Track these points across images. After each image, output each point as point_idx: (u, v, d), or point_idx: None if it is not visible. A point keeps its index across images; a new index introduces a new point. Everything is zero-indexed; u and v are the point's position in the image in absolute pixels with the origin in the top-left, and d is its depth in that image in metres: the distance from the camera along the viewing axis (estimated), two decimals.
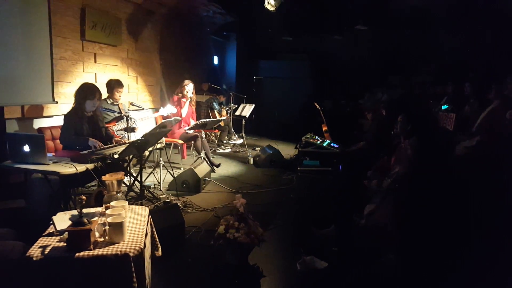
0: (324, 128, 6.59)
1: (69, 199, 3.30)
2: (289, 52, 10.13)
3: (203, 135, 5.44)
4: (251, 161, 6.05)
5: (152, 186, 4.35)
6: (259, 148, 6.94)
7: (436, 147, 2.82)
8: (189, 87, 5.34)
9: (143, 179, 3.73)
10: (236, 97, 7.58)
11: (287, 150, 6.97)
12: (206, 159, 5.38)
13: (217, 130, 7.23)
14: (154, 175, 4.57)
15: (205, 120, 5.27)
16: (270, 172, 5.55)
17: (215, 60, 10.83)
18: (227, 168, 5.73)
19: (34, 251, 1.71)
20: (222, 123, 7.00)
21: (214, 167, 5.49)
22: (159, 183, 4.52)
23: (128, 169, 3.97)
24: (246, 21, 8.85)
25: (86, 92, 3.53)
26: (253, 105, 7.34)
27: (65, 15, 4.98)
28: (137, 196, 3.83)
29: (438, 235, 2.55)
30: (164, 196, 4.08)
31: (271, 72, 10.07)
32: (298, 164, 5.69)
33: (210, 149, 6.11)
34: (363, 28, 8.38)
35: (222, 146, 7.23)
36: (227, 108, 7.42)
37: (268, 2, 5.53)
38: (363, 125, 6.55)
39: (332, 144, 5.92)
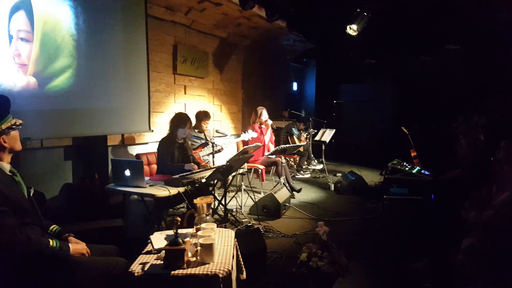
0: (413, 154, 6.21)
1: (161, 219, 3.60)
2: (371, 75, 9.86)
3: (283, 160, 5.52)
4: (332, 187, 5.96)
5: (234, 210, 4.52)
6: (340, 174, 6.81)
7: None
8: (264, 113, 5.53)
9: (226, 202, 3.91)
10: (315, 122, 7.60)
11: (371, 177, 6.71)
12: (287, 184, 5.43)
13: (296, 156, 7.26)
14: (236, 199, 4.74)
15: (284, 145, 5.36)
16: (353, 200, 5.39)
17: (295, 86, 11.01)
18: (307, 194, 5.71)
19: (136, 267, 1.89)
20: (301, 149, 7.03)
21: (294, 193, 5.50)
22: (241, 206, 4.67)
23: (213, 192, 4.20)
24: (327, 47, 8.91)
25: (179, 121, 3.88)
26: (334, 130, 7.26)
27: (160, 51, 5.60)
28: (221, 219, 4.01)
29: None
30: (246, 220, 4.20)
31: (352, 95, 9.87)
32: (384, 191, 5.40)
33: (290, 174, 6.15)
34: (455, 48, 7.82)
35: (302, 171, 7.23)
36: (306, 134, 7.44)
37: (350, 28, 5.53)
38: (456, 151, 6.00)
39: (422, 171, 5.52)
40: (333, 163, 8.53)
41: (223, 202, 4.01)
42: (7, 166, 1.88)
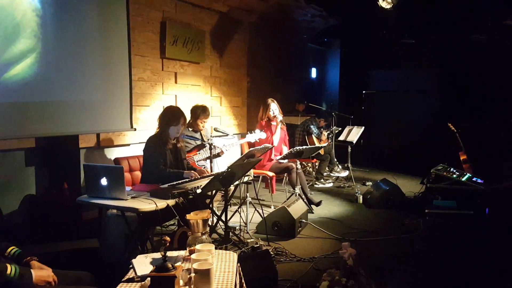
0: (463, 157, 6.17)
1: (146, 239, 3.62)
2: (410, 59, 9.81)
3: (299, 166, 5.52)
4: (360, 200, 5.96)
5: (237, 227, 4.54)
6: (370, 183, 6.79)
7: None
8: (273, 106, 5.53)
9: (227, 218, 3.91)
10: (339, 118, 7.58)
11: (409, 186, 6.69)
12: (303, 196, 5.43)
13: (315, 160, 7.26)
14: (240, 214, 4.75)
15: (301, 147, 5.36)
16: (386, 215, 5.38)
17: (313, 73, 11.00)
18: (329, 207, 5.69)
19: None
20: (322, 151, 7.02)
21: (313, 206, 5.50)
22: (246, 223, 4.67)
23: (211, 206, 4.21)
24: (353, 23, 8.89)
25: (171, 117, 3.90)
26: (362, 127, 7.24)
27: (144, 30, 5.64)
28: (221, 239, 4.02)
29: None
30: (252, 240, 4.21)
31: (386, 85, 9.84)
32: (426, 204, 5.38)
33: (308, 184, 6.15)
34: None
35: (322, 180, 7.21)
36: (328, 132, 7.43)
37: None
38: None
39: (474, 179, 5.48)
40: (362, 169, 8.49)
41: (223, 218, 4.01)
42: None
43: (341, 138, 7.31)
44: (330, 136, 7.44)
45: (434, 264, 3.84)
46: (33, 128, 4.04)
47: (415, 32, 9.00)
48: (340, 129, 7.43)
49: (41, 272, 2.00)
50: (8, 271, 1.84)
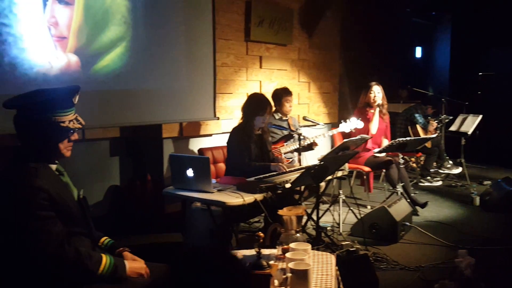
0: None
1: (231, 235, 3.78)
2: None
3: (401, 161, 5.40)
4: (477, 201, 5.75)
5: (329, 228, 4.55)
6: (489, 182, 6.53)
7: None
8: (375, 89, 5.43)
9: (319, 217, 3.96)
10: (450, 105, 7.33)
11: None
12: (405, 195, 5.30)
13: (420, 154, 7.07)
14: (332, 213, 4.77)
15: (403, 139, 5.22)
16: (509, 220, 5.16)
17: (418, 52, 10.66)
18: (438, 209, 5.58)
19: None
20: (429, 144, 6.84)
21: (418, 208, 5.37)
22: (338, 224, 4.69)
23: (300, 203, 4.28)
24: None
25: (257, 106, 4.02)
26: (479, 116, 6.93)
27: (229, 11, 5.81)
28: (311, 240, 4.08)
29: None
30: (347, 242, 4.20)
31: (508, 65, 9.22)
32: None
33: (411, 181, 6.01)
34: None
35: (429, 177, 7.05)
36: (436, 121, 7.17)
37: None
38: None
39: None
40: (478, 165, 8.22)
41: (314, 216, 4.06)
42: (53, 164, 2.15)
43: (453, 128, 7.07)
44: (439, 126, 7.18)
45: None
46: (117, 117, 4.33)
47: None
48: (451, 117, 7.16)
49: (134, 264, 2.18)
50: (104, 262, 2.04)
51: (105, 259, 2.05)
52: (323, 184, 4.30)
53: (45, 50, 3.75)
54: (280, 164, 3.95)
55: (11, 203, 1.92)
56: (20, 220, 1.90)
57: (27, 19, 3.61)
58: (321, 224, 4.21)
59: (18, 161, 2.04)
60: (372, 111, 5.45)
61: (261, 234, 2.04)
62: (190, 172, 3.38)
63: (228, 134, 4.23)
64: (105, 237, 2.39)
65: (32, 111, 2.00)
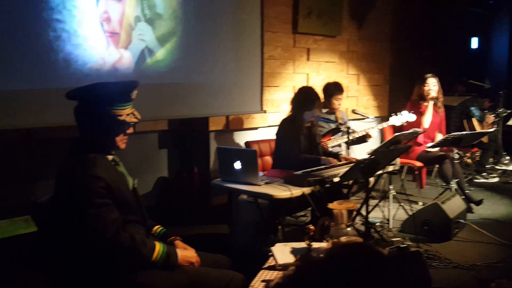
0: None
1: (277, 228, 3.84)
2: None
3: (455, 156, 5.29)
4: None
5: (378, 223, 4.54)
6: None
7: None
8: (431, 81, 5.33)
9: (368, 212, 3.97)
10: (509, 98, 7.12)
11: None
12: (460, 192, 5.20)
13: (476, 149, 6.91)
14: (381, 209, 4.75)
15: (458, 133, 5.11)
16: None
17: (474, 43, 10.37)
18: (494, 207, 5.46)
19: (257, 285, 2.09)
20: (485, 139, 6.69)
21: (472, 205, 5.25)
22: (388, 220, 4.67)
23: (348, 197, 4.29)
24: None
25: (306, 100, 4.05)
26: None
27: (277, 3, 5.82)
28: (359, 235, 4.07)
29: None
30: (397, 239, 4.19)
31: None
32: None
33: (465, 177, 5.88)
34: None
35: (485, 174, 6.88)
36: (494, 115, 6.98)
37: None
38: None
39: None
40: None
41: (363, 211, 4.06)
42: (109, 155, 2.28)
43: (511, 123, 6.82)
44: (496, 120, 6.99)
45: None
46: (166, 110, 4.48)
47: None
48: (509, 111, 6.94)
49: (185, 252, 2.29)
50: (157, 249, 2.15)
51: (159, 247, 2.16)
52: (372, 179, 4.28)
53: (98, 46, 3.88)
54: (331, 158, 3.96)
55: (71, 191, 2.06)
56: (80, 207, 2.03)
57: (80, 15, 3.74)
58: (369, 219, 4.21)
59: (77, 152, 2.17)
60: (425, 104, 5.35)
61: (312, 227, 2.08)
62: (237, 165, 3.45)
63: (275, 128, 4.28)
64: (158, 226, 2.50)
65: (93, 104, 2.12)
